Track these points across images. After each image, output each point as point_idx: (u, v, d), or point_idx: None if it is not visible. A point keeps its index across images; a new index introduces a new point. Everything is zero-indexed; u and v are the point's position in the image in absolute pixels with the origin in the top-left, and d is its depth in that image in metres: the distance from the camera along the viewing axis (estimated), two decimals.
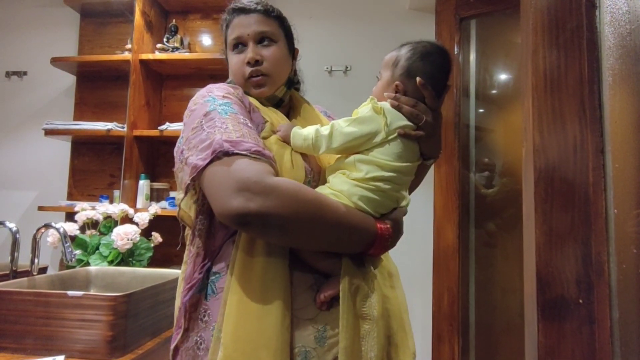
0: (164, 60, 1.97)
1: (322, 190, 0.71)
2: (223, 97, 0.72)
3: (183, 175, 0.68)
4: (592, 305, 0.55)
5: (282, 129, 0.74)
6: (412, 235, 1.92)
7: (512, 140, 1.79)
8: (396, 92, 0.74)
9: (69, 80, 2.15)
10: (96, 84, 2.12)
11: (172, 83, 2.16)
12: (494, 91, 1.93)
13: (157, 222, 1.75)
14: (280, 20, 0.84)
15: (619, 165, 0.59)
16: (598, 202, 0.58)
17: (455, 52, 1.83)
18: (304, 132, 0.73)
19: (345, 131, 0.71)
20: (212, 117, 0.68)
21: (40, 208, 1.91)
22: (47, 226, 1.18)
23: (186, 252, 0.75)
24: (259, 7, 0.80)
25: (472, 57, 1.88)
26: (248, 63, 0.78)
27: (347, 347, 0.62)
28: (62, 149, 2.11)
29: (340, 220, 0.64)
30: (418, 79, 0.73)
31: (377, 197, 0.70)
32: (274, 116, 0.77)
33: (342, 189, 0.70)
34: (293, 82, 0.86)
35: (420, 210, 1.88)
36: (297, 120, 0.82)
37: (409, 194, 0.84)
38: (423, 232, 1.85)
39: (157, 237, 1.68)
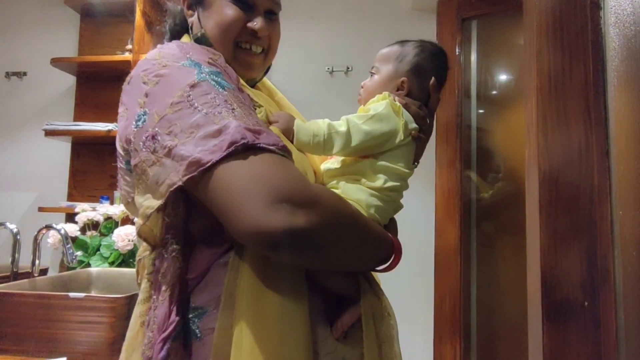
0: None
1: None
2: (209, 63, 0.53)
3: (161, 172, 0.48)
4: (597, 308, 0.55)
5: (280, 119, 0.61)
6: (413, 237, 1.92)
7: (513, 141, 1.79)
8: (398, 89, 0.68)
9: (69, 80, 2.14)
10: (96, 85, 2.12)
11: None
12: (495, 92, 1.93)
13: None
14: None
15: (624, 168, 0.59)
16: (603, 205, 0.58)
17: (457, 53, 1.83)
18: (311, 127, 0.61)
19: (363, 129, 0.61)
20: (205, 91, 0.49)
21: (41, 209, 1.90)
22: (48, 227, 1.18)
23: (145, 285, 0.54)
24: None
25: (474, 57, 1.88)
26: (253, 31, 0.62)
27: None
28: (63, 149, 2.10)
29: (373, 236, 0.56)
30: (432, 80, 0.68)
31: (389, 209, 0.64)
32: (262, 99, 0.63)
33: (359, 197, 0.61)
34: (269, 67, 0.73)
35: (422, 212, 1.87)
36: (273, 107, 0.68)
37: None
38: (424, 234, 1.84)
39: None
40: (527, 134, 0.71)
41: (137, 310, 0.55)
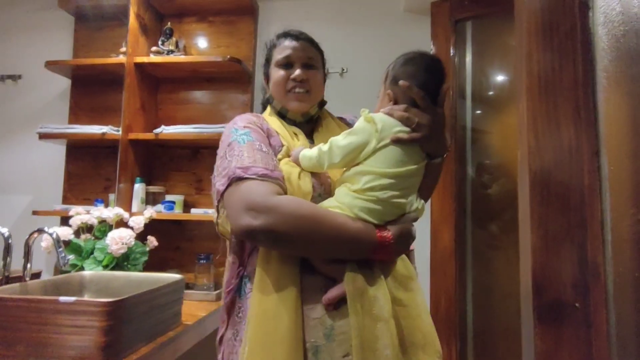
0: (159, 63, 1.97)
1: (328, 203, 0.77)
2: (244, 127, 0.84)
3: (213, 198, 0.84)
4: (588, 309, 0.55)
5: (293, 153, 0.83)
6: None
7: (508, 141, 1.79)
8: (390, 101, 0.79)
9: (64, 83, 2.14)
10: (91, 88, 2.11)
11: (167, 86, 2.15)
12: (490, 92, 1.93)
13: (152, 226, 1.74)
14: (320, 51, 0.97)
15: (614, 168, 0.59)
16: (594, 205, 0.58)
17: (451, 54, 1.83)
18: (308, 153, 0.79)
19: (341, 144, 0.75)
20: (232, 147, 0.81)
21: (35, 212, 1.89)
22: (40, 231, 1.17)
23: (226, 260, 0.87)
24: (307, 37, 0.94)
25: (468, 58, 1.88)
26: (294, 80, 0.90)
27: (359, 345, 0.67)
28: (57, 152, 2.09)
29: (339, 232, 0.72)
30: (401, 82, 0.76)
31: (378, 207, 0.73)
32: (291, 140, 0.87)
33: (344, 201, 0.74)
34: (324, 103, 0.98)
35: None
36: (319, 137, 0.91)
37: (427, 196, 0.85)
38: (420, 235, 1.83)
39: (152, 241, 1.67)
40: (519, 135, 0.70)
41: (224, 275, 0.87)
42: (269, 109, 0.96)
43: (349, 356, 0.68)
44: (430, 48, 1.88)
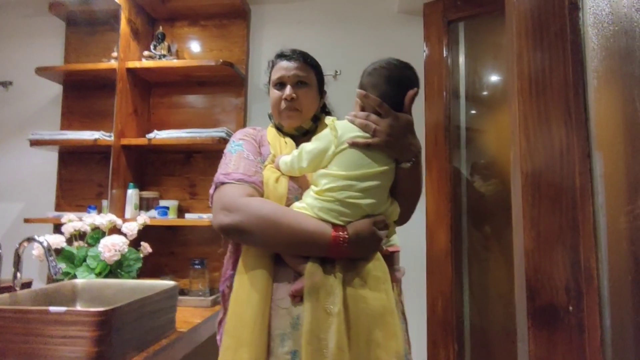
0: (151, 67, 1.95)
1: (298, 204, 0.84)
2: (240, 139, 0.96)
3: None
4: (582, 312, 0.54)
5: (276, 160, 0.91)
6: (405, 240, 1.90)
7: (502, 141, 1.79)
8: (358, 109, 0.85)
9: (55, 89, 2.12)
10: (83, 93, 2.09)
11: (160, 91, 2.13)
12: (484, 93, 1.93)
13: (146, 232, 1.72)
14: (315, 68, 1.02)
15: (606, 169, 0.58)
16: (586, 207, 0.57)
17: (444, 55, 1.83)
18: (285, 158, 0.87)
19: (307, 149, 0.83)
20: (225, 157, 0.94)
21: (27, 220, 1.87)
22: (30, 239, 1.15)
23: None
24: (300, 57, 1.00)
25: (461, 59, 1.88)
26: (285, 99, 0.96)
27: (307, 332, 0.74)
28: (49, 159, 2.07)
29: (294, 230, 0.79)
30: (357, 91, 0.82)
31: (336, 207, 0.79)
32: (278, 149, 0.95)
33: (307, 202, 0.81)
34: (318, 118, 1.02)
35: (413, 215, 1.87)
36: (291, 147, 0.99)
37: (410, 202, 0.90)
38: (416, 237, 1.83)
39: (146, 247, 1.66)
40: (511, 136, 0.70)
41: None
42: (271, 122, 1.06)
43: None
44: (423, 49, 1.87)
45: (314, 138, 0.86)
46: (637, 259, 0.52)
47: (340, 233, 0.78)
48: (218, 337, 0.91)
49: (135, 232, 1.63)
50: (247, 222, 0.80)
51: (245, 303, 0.81)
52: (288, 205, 0.85)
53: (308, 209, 0.80)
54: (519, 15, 0.68)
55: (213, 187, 0.89)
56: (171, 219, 1.89)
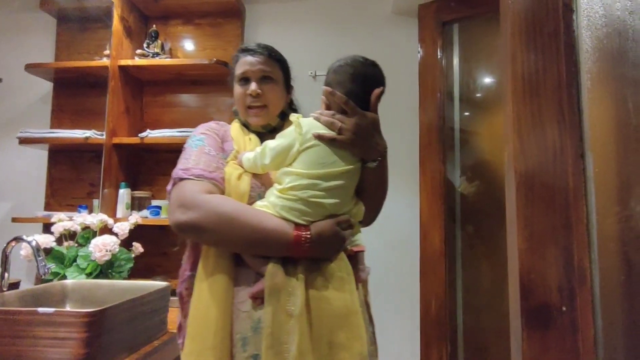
0: (144, 66, 1.93)
1: (260, 202, 0.81)
2: (201, 133, 0.92)
3: None
4: (575, 312, 0.54)
5: (239, 156, 0.88)
6: (399, 241, 1.92)
7: (496, 142, 1.80)
8: (323, 107, 0.83)
9: (45, 87, 2.09)
10: (74, 91, 2.07)
11: (153, 89, 2.11)
12: (477, 94, 1.95)
13: (138, 232, 1.70)
14: (281, 63, 0.98)
15: (598, 170, 0.58)
16: (579, 207, 0.58)
17: (439, 56, 1.84)
18: (248, 155, 0.85)
19: (270, 146, 0.81)
20: (185, 151, 0.89)
21: (15, 219, 1.84)
22: (18, 239, 1.13)
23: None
24: (264, 51, 0.95)
25: (455, 60, 1.89)
26: (250, 95, 0.93)
27: (267, 335, 0.72)
28: (39, 157, 2.04)
29: (254, 229, 0.77)
30: (323, 88, 0.81)
31: (299, 206, 0.77)
32: (242, 145, 0.92)
33: (270, 200, 0.79)
34: (285, 114, 0.98)
35: (407, 215, 1.87)
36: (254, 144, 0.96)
37: (375, 202, 0.89)
38: (410, 237, 1.84)
39: (138, 248, 1.64)
40: (505, 137, 0.70)
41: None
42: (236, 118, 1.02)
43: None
44: (417, 50, 1.88)
45: (278, 135, 0.83)
46: (629, 259, 0.53)
47: (302, 232, 0.76)
48: (180, 341, 0.87)
49: (126, 231, 1.61)
50: (205, 220, 0.76)
51: (207, 306, 0.78)
52: (251, 203, 0.82)
53: (270, 208, 0.78)
54: (513, 16, 0.68)
55: (171, 182, 0.85)
56: (163, 218, 1.87)
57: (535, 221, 0.60)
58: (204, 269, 0.81)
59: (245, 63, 0.94)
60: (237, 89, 0.96)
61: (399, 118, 1.91)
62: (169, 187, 0.86)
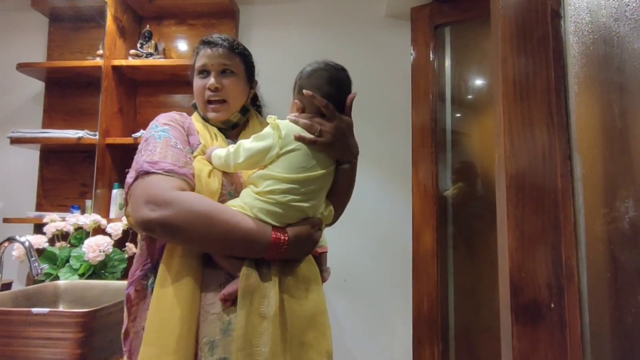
0: (138, 66, 1.93)
1: (234, 202, 0.79)
2: (164, 124, 0.86)
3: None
4: (563, 309, 0.56)
5: (207, 151, 0.84)
6: (391, 241, 1.94)
7: (487, 143, 1.83)
8: (298, 110, 0.83)
9: (37, 86, 2.07)
10: (66, 91, 2.05)
11: (146, 89, 2.11)
12: (469, 96, 1.97)
13: (131, 233, 1.70)
14: (243, 56, 0.94)
15: (586, 171, 0.60)
16: (567, 208, 0.60)
17: (431, 59, 1.86)
18: (219, 152, 0.82)
19: (246, 147, 0.79)
20: (148, 142, 0.82)
21: (6, 220, 1.82)
22: (11, 240, 1.12)
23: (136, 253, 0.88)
24: (225, 43, 0.92)
25: (447, 63, 1.92)
26: (209, 89, 0.89)
27: (239, 337, 0.70)
28: (30, 157, 2.02)
29: (232, 229, 0.74)
30: (304, 91, 0.80)
31: (277, 209, 0.76)
32: (209, 139, 0.88)
33: (246, 201, 0.77)
34: (247, 110, 0.96)
35: (399, 216, 1.89)
36: (244, 138, 0.92)
37: (341, 202, 0.89)
38: (402, 238, 1.86)
39: (131, 248, 1.63)
40: (495, 139, 0.72)
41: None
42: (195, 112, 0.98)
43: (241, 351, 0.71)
44: (410, 52, 1.90)
45: (254, 136, 0.81)
46: (615, 257, 0.55)
47: (280, 235, 0.76)
48: (125, 349, 0.82)
49: (120, 232, 1.61)
50: (178, 218, 0.71)
51: (170, 309, 0.73)
52: (221, 202, 0.80)
53: (246, 209, 0.76)
54: (504, 21, 0.70)
55: (133, 175, 0.78)
56: None
57: (525, 221, 0.61)
58: (167, 269, 0.76)
59: (205, 55, 0.91)
60: (197, 81, 0.92)
61: (392, 119, 1.93)
62: (129, 179, 0.79)
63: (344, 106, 0.83)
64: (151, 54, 1.98)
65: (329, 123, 0.80)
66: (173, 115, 0.90)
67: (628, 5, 0.54)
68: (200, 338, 0.73)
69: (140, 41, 2.02)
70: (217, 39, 0.92)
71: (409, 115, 1.86)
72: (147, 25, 2.06)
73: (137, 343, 0.78)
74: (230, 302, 0.74)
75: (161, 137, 0.82)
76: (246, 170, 0.84)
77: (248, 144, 0.79)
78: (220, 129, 0.92)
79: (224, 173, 0.83)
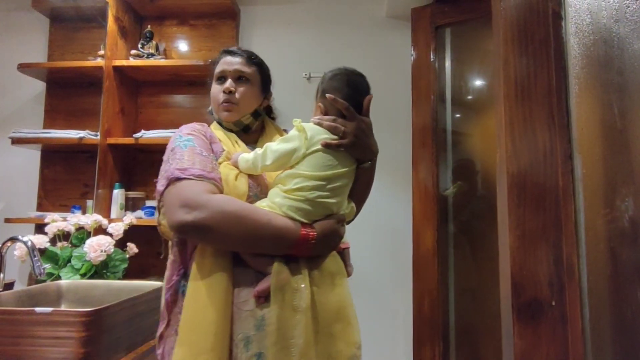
0: (139, 66, 1.93)
1: (262, 202, 0.83)
2: (187, 134, 0.91)
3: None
4: (564, 306, 0.57)
5: (233, 157, 0.89)
6: (392, 240, 1.94)
7: (488, 143, 1.84)
8: (321, 113, 0.87)
9: (38, 86, 2.07)
10: (67, 91, 2.05)
11: (148, 90, 2.11)
12: (469, 97, 1.98)
13: (132, 232, 1.70)
14: (259, 67, 1.01)
15: (586, 171, 0.61)
16: (568, 206, 0.60)
17: (432, 59, 1.87)
18: (246, 156, 0.87)
19: (273, 149, 0.83)
20: (174, 152, 0.86)
21: (8, 220, 1.82)
22: (14, 239, 1.13)
23: (168, 259, 0.90)
24: (244, 54, 1.00)
25: (447, 63, 1.93)
26: (223, 92, 0.96)
27: (274, 331, 0.74)
28: (32, 157, 2.02)
29: (263, 227, 0.78)
30: (327, 95, 0.85)
31: (306, 206, 0.81)
32: (231, 146, 0.93)
33: (275, 200, 0.81)
34: (259, 114, 1.01)
35: (400, 215, 1.90)
36: (263, 144, 0.99)
37: (360, 199, 0.94)
38: (403, 237, 1.86)
39: (132, 248, 1.64)
40: (497, 139, 0.73)
41: (165, 274, 0.89)
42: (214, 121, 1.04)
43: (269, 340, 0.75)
44: (410, 53, 1.91)
45: (280, 139, 0.86)
46: (615, 255, 0.55)
47: (309, 231, 0.80)
48: (159, 352, 0.85)
49: (121, 232, 1.61)
50: (212, 219, 0.75)
51: (204, 308, 0.76)
52: (249, 203, 0.84)
53: (275, 208, 0.80)
54: (505, 22, 0.71)
55: (164, 182, 0.82)
56: None
57: (526, 220, 0.62)
58: (199, 270, 0.80)
59: (224, 63, 0.98)
60: (214, 87, 0.98)
61: (392, 119, 1.94)
62: (160, 187, 0.83)
63: (362, 108, 0.88)
64: (152, 54, 1.99)
65: (351, 124, 0.85)
66: (194, 125, 0.95)
67: (628, 6, 0.55)
68: (235, 335, 0.76)
69: (141, 41, 2.03)
70: (237, 50, 1.00)
71: (409, 116, 1.87)
72: (149, 26, 2.06)
73: (170, 347, 0.81)
74: (263, 298, 0.77)
75: (186, 146, 0.87)
76: (270, 173, 0.89)
77: (275, 146, 0.84)
78: (236, 133, 0.98)
79: (250, 176, 0.88)
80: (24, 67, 1.91)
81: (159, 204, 0.85)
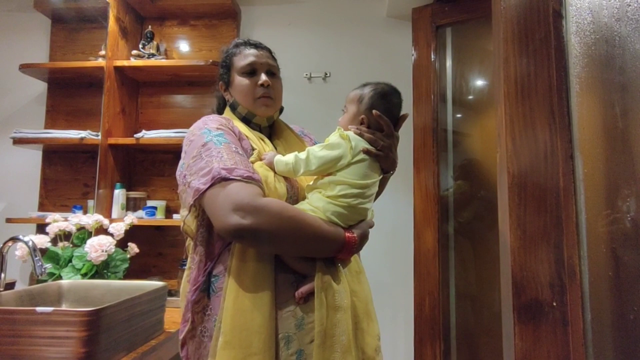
0: (140, 66, 1.93)
1: (302, 205, 0.85)
2: (217, 128, 0.87)
3: (186, 196, 0.83)
4: (565, 307, 0.57)
5: (266, 157, 0.89)
6: (393, 241, 1.94)
7: (488, 143, 1.83)
8: (361, 124, 0.91)
9: (40, 87, 2.08)
10: (69, 91, 2.06)
11: (149, 90, 2.11)
12: (470, 96, 1.98)
13: (134, 232, 1.70)
14: (277, 62, 1.02)
15: (587, 171, 0.61)
16: (569, 207, 0.60)
17: (432, 59, 1.86)
18: (284, 159, 0.87)
19: (318, 155, 0.85)
20: (209, 147, 0.82)
21: (9, 220, 1.83)
22: (15, 239, 1.13)
23: (189, 259, 0.90)
24: (266, 47, 1.00)
25: (448, 63, 1.92)
26: (262, 85, 0.94)
27: (320, 332, 0.77)
28: (33, 157, 2.03)
29: (316, 232, 0.80)
30: (374, 111, 0.90)
31: (346, 212, 0.84)
32: (259, 144, 0.92)
33: (318, 205, 0.84)
34: (282, 109, 1.03)
35: (401, 216, 1.89)
36: (279, 143, 0.99)
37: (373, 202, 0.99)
38: (404, 237, 1.86)
39: (133, 248, 1.64)
40: (497, 139, 0.72)
41: (184, 274, 0.90)
42: (230, 113, 0.99)
43: (314, 341, 0.78)
44: (411, 53, 1.91)
45: (324, 145, 0.86)
46: (616, 256, 0.55)
47: (352, 235, 0.83)
48: (183, 354, 0.84)
49: (122, 232, 1.61)
50: (270, 225, 0.75)
51: (251, 311, 0.77)
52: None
53: (319, 212, 0.83)
54: (506, 22, 0.71)
55: (207, 181, 0.77)
56: (159, 219, 1.87)
57: (527, 220, 0.62)
58: (241, 274, 0.79)
59: (252, 55, 0.95)
60: (243, 80, 0.94)
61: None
62: (201, 185, 0.78)
63: (396, 125, 0.94)
64: (153, 55, 1.99)
65: (388, 140, 0.90)
66: (219, 119, 0.90)
67: (630, 5, 0.54)
68: (277, 334, 0.79)
69: (142, 42, 2.03)
70: (257, 42, 0.98)
71: (410, 116, 1.86)
72: (149, 26, 2.07)
73: (195, 348, 0.83)
74: (303, 300, 0.81)
75: (221, 142, 0.83)
76: (304, 177, 0.92)
77: (320, 152, 0.85)
78: (259, 128, 0.97)
79: (285, 178, 0.88)
80: (25, 68, 1.91)
81: (194, 202, 0.79)
